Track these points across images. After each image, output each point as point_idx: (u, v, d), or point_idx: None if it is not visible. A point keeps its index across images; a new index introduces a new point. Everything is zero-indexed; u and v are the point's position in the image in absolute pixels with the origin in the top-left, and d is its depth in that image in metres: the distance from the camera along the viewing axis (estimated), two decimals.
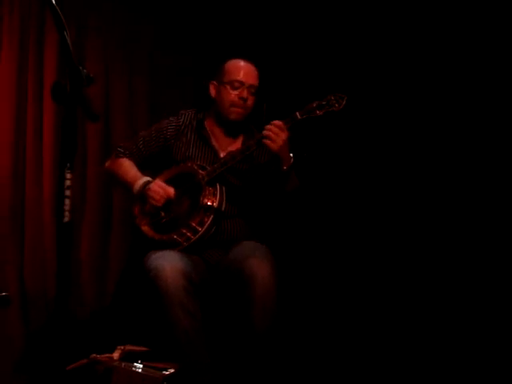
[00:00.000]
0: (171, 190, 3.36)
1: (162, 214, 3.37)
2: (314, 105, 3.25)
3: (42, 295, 4.13)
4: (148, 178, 3.43)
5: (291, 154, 3.33)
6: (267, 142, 3.24)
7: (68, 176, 2.12)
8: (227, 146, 3.55)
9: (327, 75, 4.31)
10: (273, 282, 3.13)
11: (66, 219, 2.12)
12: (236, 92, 3.45)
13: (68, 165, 2.12)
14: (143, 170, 3.54)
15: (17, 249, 4.13)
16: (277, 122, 3.25)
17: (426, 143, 3.98)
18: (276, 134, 3.22)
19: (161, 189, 3.35)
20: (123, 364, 3.10)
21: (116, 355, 3.11)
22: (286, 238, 4.23)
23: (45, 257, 4.17)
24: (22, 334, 4.08)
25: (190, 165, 3.45)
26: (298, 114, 3.26)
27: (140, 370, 3.07)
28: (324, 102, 3.25)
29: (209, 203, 3.29)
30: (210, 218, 3.29)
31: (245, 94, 3.45)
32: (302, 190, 3.51)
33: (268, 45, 4.56)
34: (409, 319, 3.89)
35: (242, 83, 3.45)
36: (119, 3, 4.55)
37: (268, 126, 3.26)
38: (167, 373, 3.10)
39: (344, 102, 3.23)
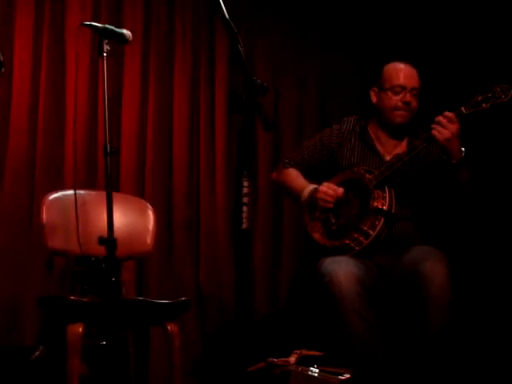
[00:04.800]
0: (340, 189, 3.36)
1: (333, 220, 3.39)
2: (480, 98, 3.16)
3: (217, 300, 4.25)
4: (315, 186, 3.46)
5: (463, 149, 3.25)
6: (435, 132, 3.18)
7: (245, 184, 2.17)
8: (392, 150, 3.52)
9: (487, 70, 4.17)
10: (449, 285, 3.08)
11: (244, 226, 2.17)
12: (398, 97, 3.41)
13: (245, 173, 2.17)
14: (309, 178, 3.57)
15: (193, 255, 4.28)
16: (447, 113, 3.18)
17: None
18: (445, 125, 3.16)
19: (330, 189, 3.37)
20: (300, 368, 3.13)
21: (292, 359, 3.15)
22: (460, 240, 4.13)
23: (219, 263, 4.30)
24: (198, 338, 4.22)
25: (356, 170, 3.44)
26: (463, 108, 3.18)
27: (316, 375, 3.09)
28: (490, 95, 3.14)
29: (379, 206, 3.28)
30: (381, 221, 3.27)
31: (408, 97, 3.41)
32: (475, 189, 3.43)
33: (426, 45, 4.49)
34: None
35: (403, 87, 3.41)
36: (286, 13, 4.62)
37: (438, 118, 3.19)
38: (343, 378, 3.11)
39: (511, 93, 3.12)
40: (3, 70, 2.47)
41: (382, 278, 3.34)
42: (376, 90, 3.52)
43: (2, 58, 2.39)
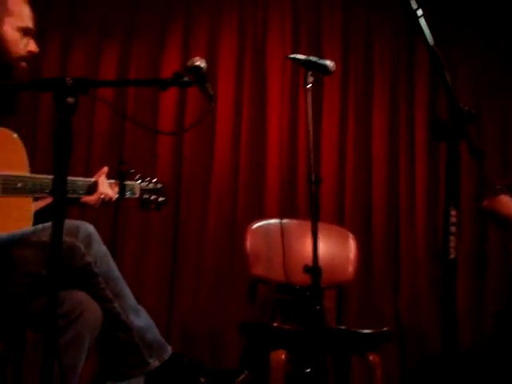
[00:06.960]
0: None
1: None
2: None
3: (417, 331, 4.17)
4: None
5: None
6: None
7: (453, 213, 2.11)
8: None
9: None
10: None
11: (452, 256, 2.11)
12: None
13: (453, 202, 2.12)
14: None
15: (393, 285, 4.23)
16: None
17: None
18: None
19: None
20: None
21: None
22: None
23: (420, 293, 4.22)
24: (398, 369, 4.15)
25: None
26: None
27: None
28: None
29: None
30: None
31: None
32: None
33: None
34: None
35: None
36: (487, 36, 4.51)
37: None
38: None
39: None
40: (213, 104, 2.55)
41: None
42: None
43: (212, 92, 2.46)
